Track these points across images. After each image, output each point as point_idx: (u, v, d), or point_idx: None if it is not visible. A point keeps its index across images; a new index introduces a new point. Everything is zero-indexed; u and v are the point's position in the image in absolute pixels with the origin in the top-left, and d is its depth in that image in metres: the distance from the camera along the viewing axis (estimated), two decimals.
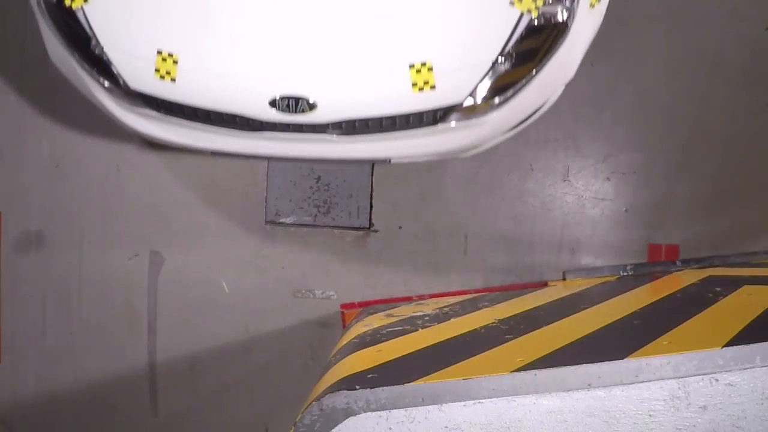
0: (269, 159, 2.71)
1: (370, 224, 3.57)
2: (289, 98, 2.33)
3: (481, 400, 1.67)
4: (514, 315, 2.49)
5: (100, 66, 2.42)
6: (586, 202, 3.57)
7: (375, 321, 2.65)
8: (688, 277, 3.02)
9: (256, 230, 3.58)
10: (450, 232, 3.57)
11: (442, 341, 2.22)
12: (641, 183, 3.55)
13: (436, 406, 1.67)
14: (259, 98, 2.35)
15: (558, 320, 2.33)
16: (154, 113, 2.49)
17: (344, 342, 2.40)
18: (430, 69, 2.30)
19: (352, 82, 2.34)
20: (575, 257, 3.56)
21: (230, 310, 3.63)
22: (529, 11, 2.31)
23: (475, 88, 2.38)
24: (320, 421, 1.69)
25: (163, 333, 3.66)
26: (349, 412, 1.68)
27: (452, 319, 2.55)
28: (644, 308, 2.43)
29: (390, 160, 2.65)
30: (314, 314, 3.63)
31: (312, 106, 2.33)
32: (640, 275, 3.40)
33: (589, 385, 1.66)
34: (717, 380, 1.64)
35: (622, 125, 3.55)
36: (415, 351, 2.12)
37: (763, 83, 3.53)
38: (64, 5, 2.35)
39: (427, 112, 2.40)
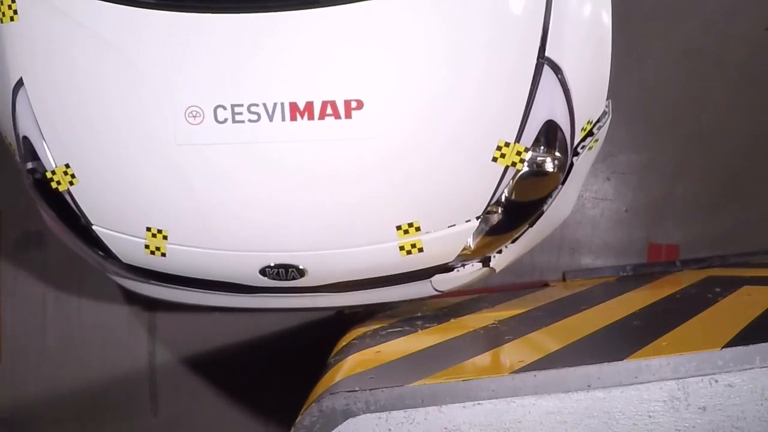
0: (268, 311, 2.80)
1: None
2: (279, 267, 2.36)
3: (480, 401, 1.67)
4: (514, 316, 2.49)
5: (91, 240, 2.46)
6: (586, 202, 3.57)
7: (374, 322, 2.65)
8: (687, 278, 3.02)
9: None
10: None
11: (442, 342, 2.22)
12: (641, 183, 3.55)
13: (435, 407, 1.67)
14: (250, 268, 2.39)
15: (557, 321, 2.33)
16: (147, 281, 2.57)
17: (344, 343, 2.40)
18: (418, 228, 2.31)
19: (340, 248, 2.36)
20: (575, 257, 3.56)
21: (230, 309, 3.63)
22: (514, 164, 2.28)
23: (467, 244, 2.40)
24: (320, 423, 1.69)
25: (163, 333, 3.66)
26: (348, 414, 1.68)
27: (452, 320, 2.55)
28: (644, 309, 2.44)
29: (387, 304, 2.71)
30: (314, 314, 3.62)
31: (302, 273, 2.37)
32: (639, 276, 3.40)
33: (589, 386, 1.66)
34: (716, 381, 1.64)
35: (622, 125, 3.54)
36: (415, 352, 2.12)
37: (762, 83, 3.53)
38: (51, 188, 2.38)
39: (419, 270, 2.43)
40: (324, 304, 2.62)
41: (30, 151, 2.40)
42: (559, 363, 1.73)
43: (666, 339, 1.87)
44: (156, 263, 2.44)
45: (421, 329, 2.40)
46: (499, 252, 2.48)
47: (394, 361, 2.02)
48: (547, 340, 2.13)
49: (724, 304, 2.30)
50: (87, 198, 2.39)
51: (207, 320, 3.62)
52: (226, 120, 2.23)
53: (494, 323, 2.37)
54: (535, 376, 1.68)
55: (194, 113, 2.24)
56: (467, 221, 2.35)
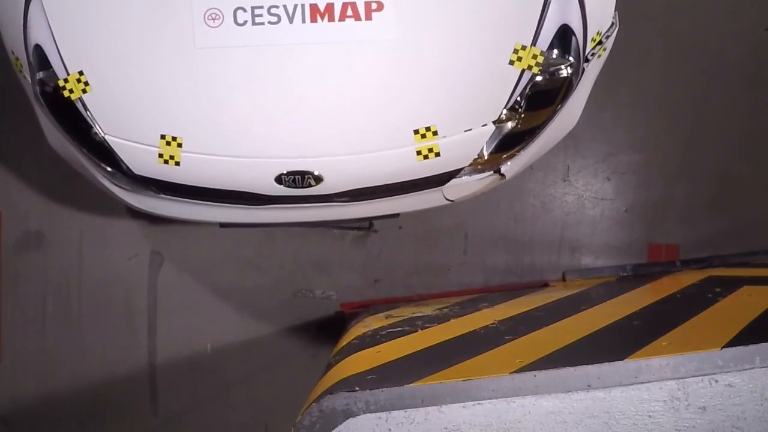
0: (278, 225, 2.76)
1: (370, 224, 3.56)
2: (294, 174, 2.33)
3: (480, 401, 1.67)
4: (514, 316, 2.49)
5: (102, 152, 2.40)
6: (586, 202, 3.57)
7: (375, 322, 2.65)
8: (688, 278, 3.02)
9: (257, 230, 3.58)
10: (450, 232, 3.57)
11: (442, 342, 2.22)
12: (641, 183, 3.55)
13: (435, 407, 1.67)
14: (265, 175, 2.35)
15: (557, 321, 2.33)
16: (158, 195, 2.50)
17: (344, 343, 2.40)
18: (435, 132, 2.31)
19: (357, 153, 2.34)
20: (575, 257, 3.56)
21: (230, 310, 3.63)
22: (530, 68, 2.30)
23: (481, 150, 2.41)
24: (320, 423, 1.69)
25: (163, 333, 3.66)
26: (348, 414, 1.68)
27: (452, 320, 2.55)
28: (644, 309, 2.43)
29: (398, 215, 2.68)
30: (314, 314, 3.63)
31: (318, 179, 2.34)
32: (640, 276, 3.40)
33: (589, 386, 1.66)
34: (716, 381, 1.65)
35: (622, 125, 3.55)
36: (415, 352, 2.12)
37: (763, 83, 3.53)
38: (63, 97, 2.31)
39: (434, 175, 2.42)
40: (336, 216, 2.59)
41: (41, 60, 2.34)
42: (559, 363, 1.73)
43: (666, 339, 1.87)
44: (170, 173, 2.38)
45: (421, 329, 2.40)
46: (510, 156, 2.50)
47: (394, 361, 2.02)
48: (547, 340, 2.12)
49: (724, 304, 2.30)
50: (100, 106, 2.33)
51: (207, 320, 3.63)
52: (245, 22, 2.22)
53: (494, 323, 2.37)
54: (535, 376, 1.68)
55: (213, 15, 2.23)
56: (483, 125, 2.36)
